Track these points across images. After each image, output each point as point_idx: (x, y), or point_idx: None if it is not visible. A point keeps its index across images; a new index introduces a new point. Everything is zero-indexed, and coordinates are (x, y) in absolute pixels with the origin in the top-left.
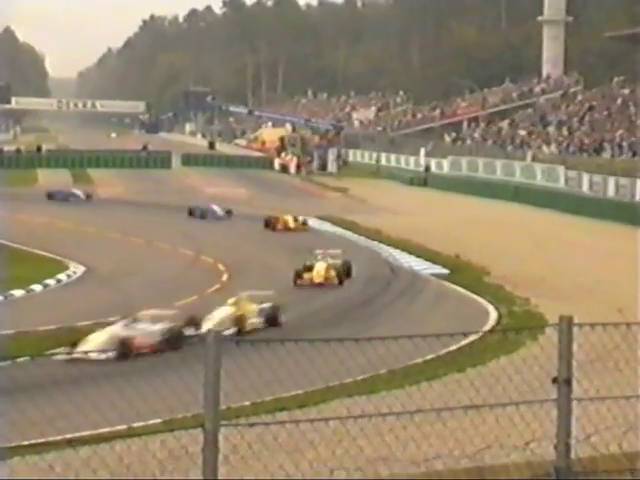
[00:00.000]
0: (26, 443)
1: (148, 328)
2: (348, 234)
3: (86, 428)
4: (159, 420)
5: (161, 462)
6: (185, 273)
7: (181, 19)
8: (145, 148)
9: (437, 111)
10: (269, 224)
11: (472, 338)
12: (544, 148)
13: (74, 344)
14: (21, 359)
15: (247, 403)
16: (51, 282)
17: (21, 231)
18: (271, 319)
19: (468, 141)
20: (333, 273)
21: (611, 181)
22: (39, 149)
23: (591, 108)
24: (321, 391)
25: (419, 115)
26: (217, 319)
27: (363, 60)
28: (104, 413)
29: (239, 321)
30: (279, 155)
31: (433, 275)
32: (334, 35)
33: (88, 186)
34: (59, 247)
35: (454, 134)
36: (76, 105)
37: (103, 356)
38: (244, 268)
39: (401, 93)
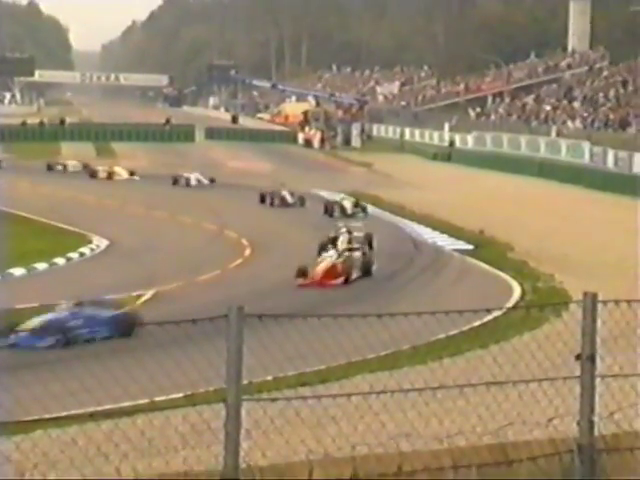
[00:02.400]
0: (48, 416)
1: None
2: (371, 209)
3: (108, 402)
4: (181, 394)
5: (183, 436)
6: (208, 247)
7: None
8: (168, 122)
9: (461, 86)
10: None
11: (495, 314)
12: (569, 123)
13: None
14: None
15: (269, 378)
16: (74, 256)
17: (44, 204)
18: None
19: (492, 116)
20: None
21: (637, 157)
22: (62, 122)
23: (617, 83)
24: (343, 366)
25: (443, 90)
26: None
27: (387, 34)
28: (126, 387)
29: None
30: (303, 129)
31: (457, 251)
32: (359, 9)
33: (111, 160)
34: (82, 221)
35: (478, 109)
36: (99, 78)
37: None
38: (268, 244)
39: (425, 68)
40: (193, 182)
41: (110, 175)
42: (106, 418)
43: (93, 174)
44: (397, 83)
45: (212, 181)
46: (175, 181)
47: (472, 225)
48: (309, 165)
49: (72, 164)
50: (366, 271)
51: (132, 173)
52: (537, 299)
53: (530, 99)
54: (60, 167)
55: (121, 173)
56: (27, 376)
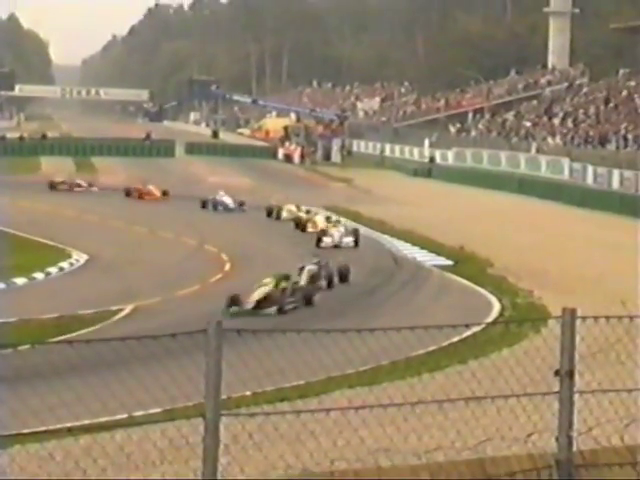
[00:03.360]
0: (26, 431)
1: None
2: (352, 225)
3: (86, 417)
4: (159, 409)
5: (161, 451)
6: (188, 262)
7: (186, 7)
8: (148, 137)
9: (442, 102)
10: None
11: (474, 330)
12: (549, 140)
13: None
14: (22, 347)
15: (248, 393)
16: (53, 270)
17: (24, 219)
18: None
19: (473, 132)
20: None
21: (616, 173)
22: (44, 137)
23: (597, 100)
24: (322, 382)
25: (424, 106)
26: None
27: (368, 50)
28: (105, 402)
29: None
30: (283, 145)
31: (437, 266)
32: (339, 25)
33: (91, 175)
34: (62, 235)
35: (459, 125)
36: (80, 93)
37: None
38: (248, 258)
39: (406, 84)
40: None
41: (304, 225)
42: (84, 433)
43: (269, 213)
44: (377, 99)
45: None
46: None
47: (452, 241)
48: (289, 180)
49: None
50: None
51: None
52: (516, 315)
53: (510, 115)
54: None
55: (317, 223)
56: (3, 392)
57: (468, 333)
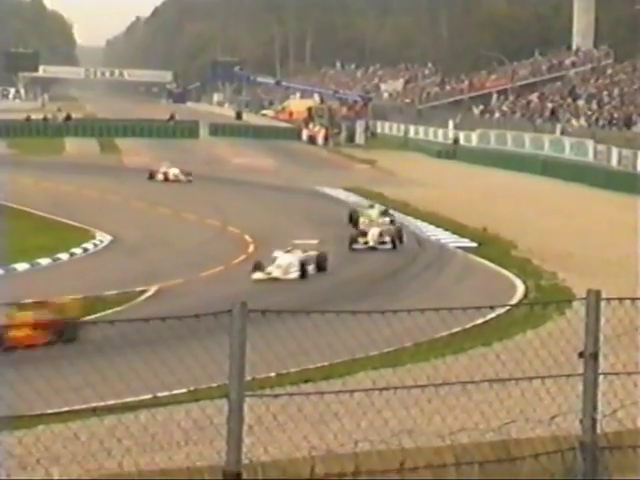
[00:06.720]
0: (51, 411)
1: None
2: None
3: (111, 397)
4: (184, 390)
5: (186, 432)
6: (212, 243)
7: None
8: (172, 118)
9: (466, 83)
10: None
11: (499, 312)
12: (573, 121)
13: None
14: None
15: (272, 374)
16: (78, 251)
17: (48, 200)
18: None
19: (497, 114)
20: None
21: None
22: (69, 118)
23: (621, 81)
24: (346, 363)
25: (447, 87)
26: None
27: (392, 31)
28: (129, 382)
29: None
30: (307, 126)
31: (460, 248)
32: (363, 6)
33: (115, 155)
34: (86, 216)
35: (483, 107)
36: (104, 74)
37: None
38: (271, 240)
39: (429, 65)
40: None
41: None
42: (109, 413)
43: None
44: (401, 80)
45: None
46: None
47: (476, 222)
48: (313, 162)
49: None
50: None
51: None
52: (540, 297)
53: (534, 97)
54: None
55: None
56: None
57: (492, 315)
